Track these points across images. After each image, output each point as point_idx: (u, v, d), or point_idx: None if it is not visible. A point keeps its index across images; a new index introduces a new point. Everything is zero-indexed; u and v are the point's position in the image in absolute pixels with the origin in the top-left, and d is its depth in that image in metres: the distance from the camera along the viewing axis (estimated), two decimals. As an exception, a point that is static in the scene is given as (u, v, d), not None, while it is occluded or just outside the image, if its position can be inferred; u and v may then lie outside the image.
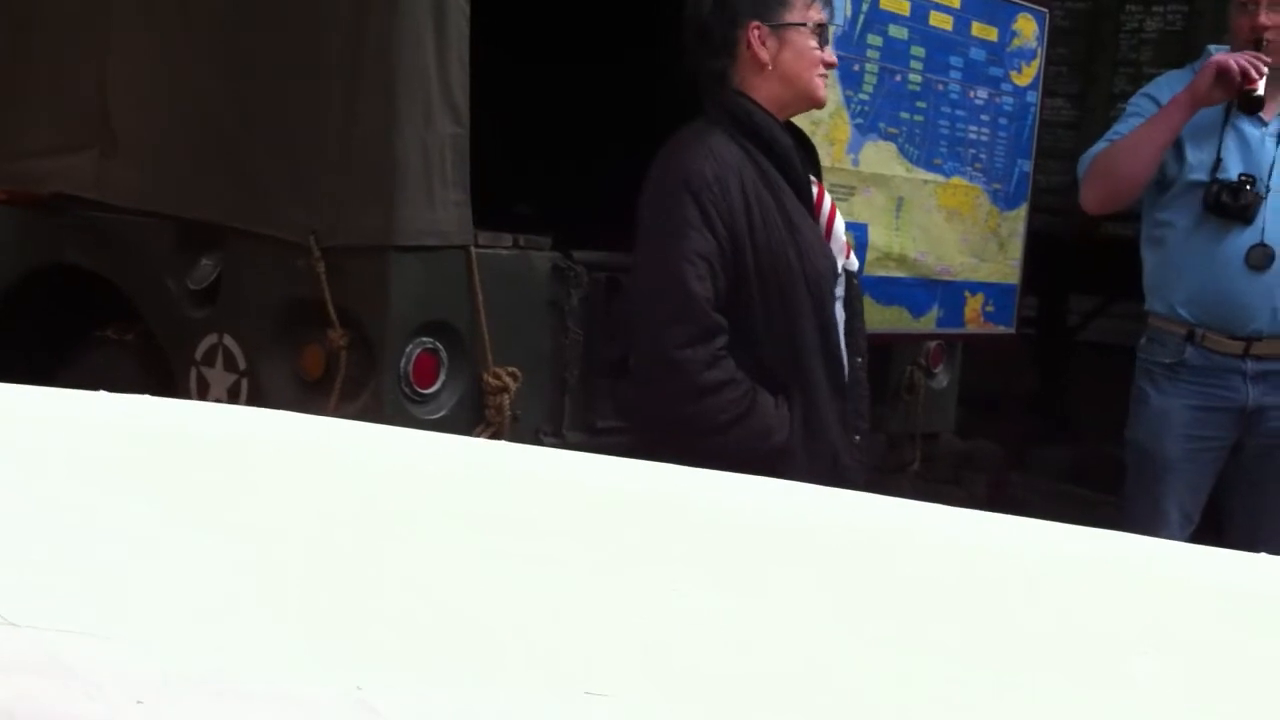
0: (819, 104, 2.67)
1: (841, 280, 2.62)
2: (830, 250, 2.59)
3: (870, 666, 0.84)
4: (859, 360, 2.66)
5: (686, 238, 2.41)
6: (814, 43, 2.55)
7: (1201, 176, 3.31)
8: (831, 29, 2.68)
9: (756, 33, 2.51)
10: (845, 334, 2.61)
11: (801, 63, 2.55)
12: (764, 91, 2.55)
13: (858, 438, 2.66)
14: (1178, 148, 3.34)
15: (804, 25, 2.53)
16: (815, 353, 2.50)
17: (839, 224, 2.65)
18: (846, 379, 2.59)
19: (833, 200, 2.68)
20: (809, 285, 2.49)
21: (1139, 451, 3.44)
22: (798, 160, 2.58)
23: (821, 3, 2.56)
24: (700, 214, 2.41)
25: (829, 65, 2.61)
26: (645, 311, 2.52)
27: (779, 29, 2.52)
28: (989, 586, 1.02)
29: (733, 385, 2.42)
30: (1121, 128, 3.41)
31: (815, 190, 2.63)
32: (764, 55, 2.52)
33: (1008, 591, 1.02)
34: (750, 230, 2.44)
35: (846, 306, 2.64)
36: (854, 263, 2.69)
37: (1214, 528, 3.46)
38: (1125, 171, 3.34)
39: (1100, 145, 3.44)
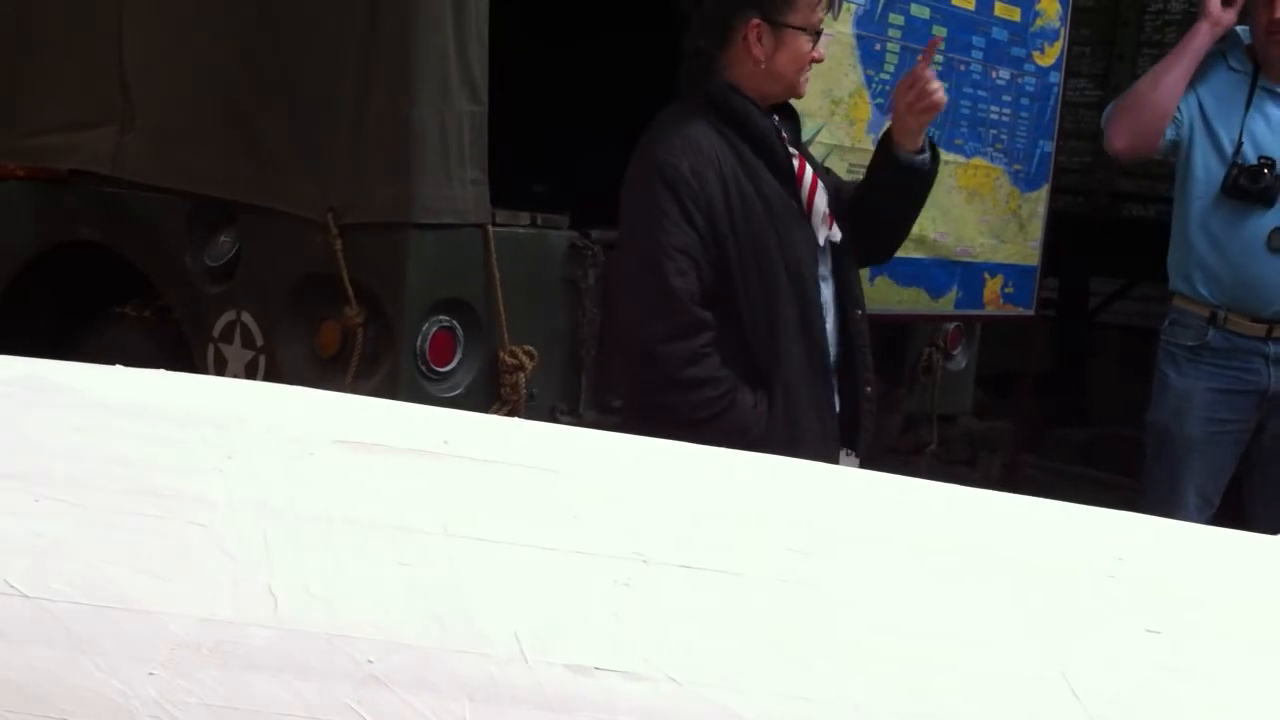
0: (799, 97, 2.62)
1: (826, 254, 2.58)
2: (810, 228, 2.55)
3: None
4: (859, 313, 2.64)
5: (666, 232, 2.37)
6: (809, 45, 2.50)
7: (1223, 159, 3.29)
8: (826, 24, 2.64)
9: (756, 30, 2.45)
10: (838, 295, 2.59)
11: (794, 65, 2.50)
12: (749, 83, 2.50)
13: (868, 389, 2.64)
14: (1202, 129, 3.33)
15: (804, 30, 2.48)
16: (796, 338, 2.47)
17: (820, 198, 2.58)
18: (835, 352, 2.56)
19: (814, 173, 2.61)
20: (789, 272, 2.46)
21: (1160, 433, 3.42)
22: (778, 143, 2.53)
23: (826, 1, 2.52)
24: (679, 208, 2.38)
25: (816, 61, 2.55)
26: (627, 302, 2.50)
27: (779, 29, 2.47)
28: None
29: (712, 384, 2.40)
30: None
31: (796, 164, 2.57)
32: (758, 53, 2.46)
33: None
34: (730, 220, 2.41)
35: (837, 273, 2.60)
36: (837, 234, 2.60)
37: (1236, 511, 3.44)
38: (1148, 102, 3.37)
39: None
